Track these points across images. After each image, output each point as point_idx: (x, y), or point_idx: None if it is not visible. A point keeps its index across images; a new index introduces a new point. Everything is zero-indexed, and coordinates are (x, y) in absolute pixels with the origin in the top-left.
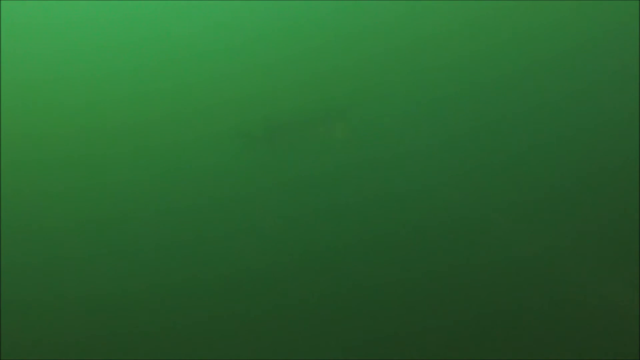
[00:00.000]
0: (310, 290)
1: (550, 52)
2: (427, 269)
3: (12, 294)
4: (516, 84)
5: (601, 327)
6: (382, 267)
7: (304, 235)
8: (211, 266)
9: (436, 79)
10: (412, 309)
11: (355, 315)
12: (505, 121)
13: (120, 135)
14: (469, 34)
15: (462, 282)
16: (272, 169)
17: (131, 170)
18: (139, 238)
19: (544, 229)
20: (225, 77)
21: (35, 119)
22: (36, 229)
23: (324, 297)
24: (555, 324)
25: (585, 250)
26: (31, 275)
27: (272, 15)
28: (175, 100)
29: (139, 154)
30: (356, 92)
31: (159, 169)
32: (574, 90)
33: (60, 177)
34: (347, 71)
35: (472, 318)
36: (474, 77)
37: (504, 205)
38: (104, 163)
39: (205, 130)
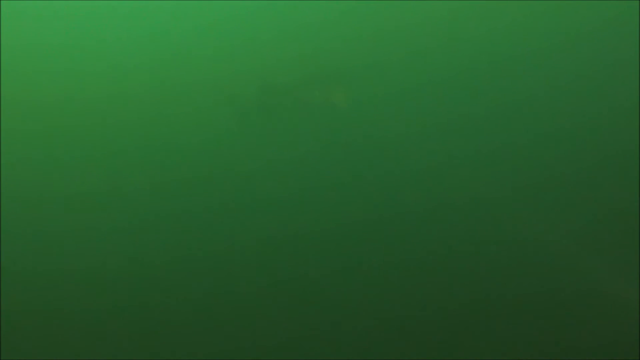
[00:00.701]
0: (308, 265)
1: (555, 44)
2: (424, 251)
3: (12, 293)
4: (522, 67)
5: (601, 326)
6: (380, 243)
7: (298, 208)
8: (204, 240)
9: (446, 46)
10: (412, 293)
11: (356, 290)
12: (514, 104)
13: (109, 106)
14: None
15: (459, 271)
16: (266, 136)
17: (120, 143)
18: (131, 214)
19: (543, 223)
20: (214, 38)
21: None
22: (35, 206)
23: (322, 273)
24: (554, 321)
25: (586, 247)
26: (29, 256)
27: None
28: (162, 67)
29: (128, 126)
30: (357, 53)
31: (149, 140)
32: (576, 81)
33: (51, 150)
34: (347, 30)
35: (466, 312)
36: (480, 57)
37: (505, 194)
38: (93, 135)
39: (193, 95)
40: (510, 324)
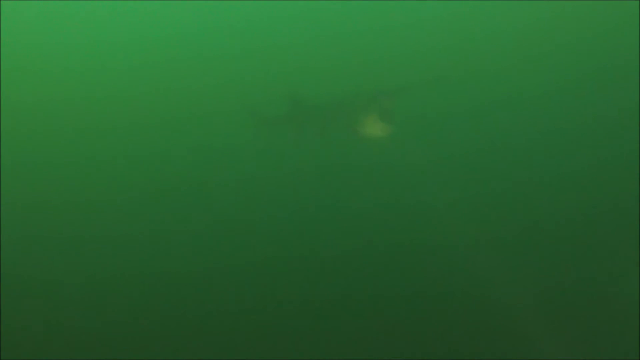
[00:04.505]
0: (332, 278)
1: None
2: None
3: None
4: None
5: (601, 327)
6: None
7: (322, 232)
8: (224, 249)
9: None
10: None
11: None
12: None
13: (142, 109)
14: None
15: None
16: (290, 151)
17: (140, 151)
18: (159, 221)
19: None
20: (249, 55)
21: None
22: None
23: (349, 286)
24: (556, 323)
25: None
26: (32, 268)
27: None
28: (188, 73)
29: (158, 134)
30: (398, 76)
31: (178, 153)
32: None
33: (73, 154)
34: (390, 53)
35: (464, 316)
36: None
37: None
38: (112, 143)
39: (218, 103)
40: (512, 322)
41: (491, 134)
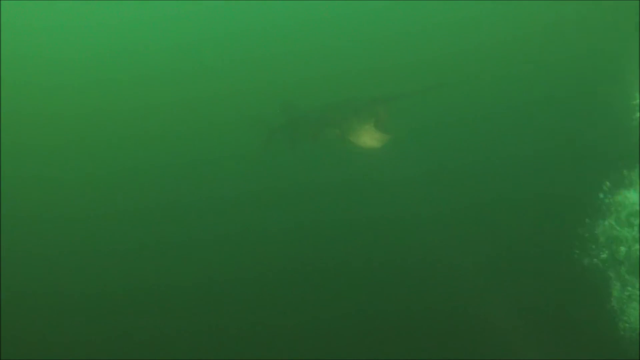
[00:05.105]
0: (333, 286)
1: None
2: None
3: (12, 292)
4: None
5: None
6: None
7: (313, 242)
8: (227, 254)
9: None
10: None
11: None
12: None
13: (140, 119)
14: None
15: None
16: (288, 161)
17: (141, 160)
18: (149, 233)
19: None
20: (246, 62)
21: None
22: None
23: (339, 286)
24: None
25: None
26: (32, 274)
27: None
28: (189, 84)
29: (158, 143)
30: (390, 85)
31: (175, 160)
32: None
33: (73, 168)
34: (382, 62)
35: (471, 316)
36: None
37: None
38: (112, 152)
39: (220, 114)
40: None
41: (482, 144)
